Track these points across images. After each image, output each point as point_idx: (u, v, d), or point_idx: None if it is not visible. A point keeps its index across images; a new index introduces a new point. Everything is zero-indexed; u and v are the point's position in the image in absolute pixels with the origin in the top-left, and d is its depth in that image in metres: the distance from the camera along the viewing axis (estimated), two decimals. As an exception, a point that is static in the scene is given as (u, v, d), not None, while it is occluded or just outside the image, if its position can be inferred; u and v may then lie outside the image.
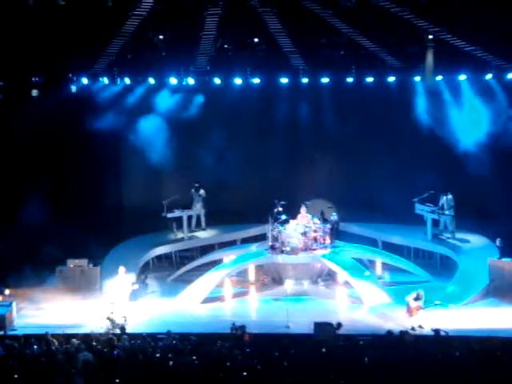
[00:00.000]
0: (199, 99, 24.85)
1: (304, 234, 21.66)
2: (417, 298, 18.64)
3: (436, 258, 23.38)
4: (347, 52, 21.98)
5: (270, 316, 19.42)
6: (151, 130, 24.32)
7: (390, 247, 23.60)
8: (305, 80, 23.66)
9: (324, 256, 21.50)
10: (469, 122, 23.56)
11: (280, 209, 21.72)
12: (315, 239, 21.78)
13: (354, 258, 21.71)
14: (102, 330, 17.21)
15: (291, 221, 21.90)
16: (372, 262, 22.38)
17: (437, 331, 16.24)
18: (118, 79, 23.71)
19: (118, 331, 17.09)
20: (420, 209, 23.26)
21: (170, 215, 23.66)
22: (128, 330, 17.15)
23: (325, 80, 23.73)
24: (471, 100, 23.68)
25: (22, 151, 23.15)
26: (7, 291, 20.34)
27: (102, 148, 24.51)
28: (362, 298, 20.23)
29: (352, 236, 24.07)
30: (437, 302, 19.29)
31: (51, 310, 19.53)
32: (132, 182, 26.66)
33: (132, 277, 20.02)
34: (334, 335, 16.33)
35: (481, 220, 22.75)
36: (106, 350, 15.05)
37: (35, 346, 15.56)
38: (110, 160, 25.68)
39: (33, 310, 19.59)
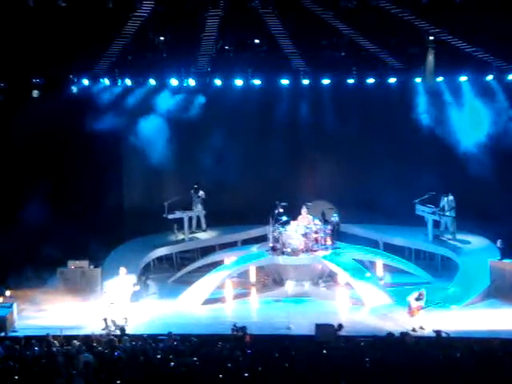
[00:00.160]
0: (200, 100, 24.84)
1: (305, 235, 21.66)
2: (418, 298, 18.63)
3: (437, 260, 23.37)
4: (348, 53, 21.98)
5: (271, 317, 19.43)
6: (152, 130, 24.31)
7: (390, 248, 23.60)
8: (305, 81, 23.65)
9: (325, 257, 21.50)
10: (469, 123, 23.56)
11: (281, 210, 21.72)
12: (316, 240, 21.77)
13: (354, 260, 21.71)
14: (102, 331, 17.25)
15: (292, 222, 21.90)
16: (373, 263, 22.37)
17: (438, 332, 16.23)
18: (119, 80, 23.70)
19: (117, 332, 17.12)
20: (421, 210, 23.25)
21: (170, 216, 23.65)
22: (129, 332, 17.16)
23: (325, 81, 23.72)
24: (472, 101, 23.66)
25: (23, 152, 23.14)
26: (8, 292, 20.34)
27: (103, 149, 24.49)
28: (362, 299, 20.23)
29: (353, 237, 24.08)
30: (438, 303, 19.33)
31: (52, 312, 19.54)
32: (133, 183, 26.65)
33: (133, 278, 20.03)
34: (335, 337, 16.32)
35: (482, 221, 22.73)
36: (106, 351, 15.05)
37: (36, 348, 15.56)
38: (110, 161, 25.65)
39: (34, 312, 19.61)
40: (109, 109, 23.95)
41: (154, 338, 16.55)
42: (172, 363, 14.08)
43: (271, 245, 21.88)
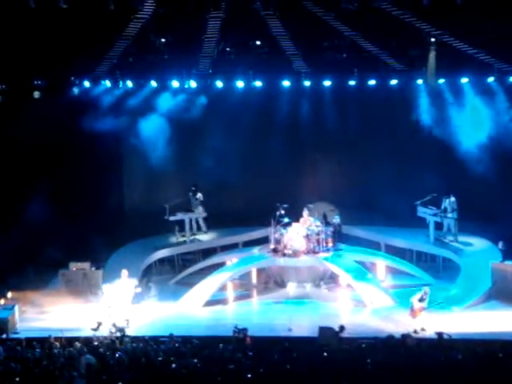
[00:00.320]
0: (201, 102, 24.84)
1: (306, 236, 21.65)
2: (421, 299, 18.61)
3: (438, 261, 23.35)
4: (349, 55, 21.93)
5: (272, 319, 19.42)
6: (153, 131, 24.33)
7: (392, 250, 23.58)
8: (307, 83, 23.62)
9: (326, 259, 21.48)
10: (471, 125, 23.55)
11: (282, 212, 21.71)
12: (318, 242, 21.76)
13: (356, 261, 21.71)
14: (94, 332, 17.32)
15: (293, 224, 21.89)
16: (374, 265, 22.36)
17: (440, 334, 16.21)
18: (121, 82, 23.69)
19: (118, 334, 17.12)
20: (422, 212, 23.24)
21: (172, 218, 23.65)
22: (130, 333, 17.17)
23: (327, 83, 23.69)
24: (473, 103, 23.66)
25: (25, 153, 23.14)
26: (10, 294, 20.36)
27: (104, 150, 24.50)
28: (364, 300, 20.22)
29: (354, 239, 24.04)
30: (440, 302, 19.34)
31: (54, 314, 19.54)
32: (134, 185, 26.66)
33: (134, 280, 20.04)
34: (337, 340, 16.30)
35: (483, 223, 22.71)
36: (108, 353, 15.05)
37: (37, 350, 15.57)
38: (112, 163, 25.69)
39: (35, 314, 19.61)
40: (110, 110, 23.97)
41: (155, 339, 16.58)
42: (173, 365, 14.09)
43: (272, 247, 21.88)
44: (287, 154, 25.71)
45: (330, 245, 21.99)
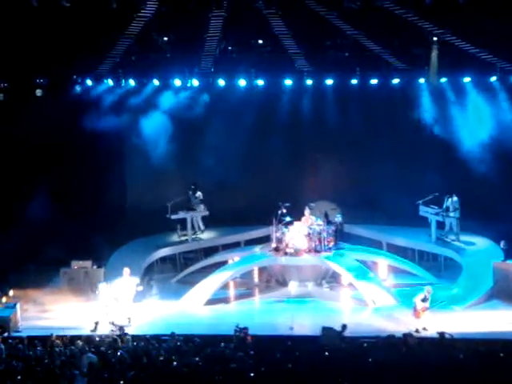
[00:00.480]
0: (203, 100, 24.83)
1: (308, 235, 21.65)
2: (424, 299, 18.58)
3: (440, 260, 23.34)
4: (352, 54, 21.96)
5: (274, 318, 19.43)
6: (155, 130, 24.33)
7: (394, 249, 23.56)
8: (309, 82, 23.62)
9: (328, 258, 21.48)
10: (473, 124, 23.54)
11: (284, 211, 21.71)
12: (319, 241, 21.76)
13: (358, 260, 21.70)
14: (93, 332, 17.35)
15: (295, 222, 21.88)
16: (376, 264, 22.35)
17: (441, 334, 16.21)
18: (123, 81, 23.70)
19: (118, 332, 17.14)
20: (424, 211, 23.22)
21: (174, 217, 23.65)
22: (132, 332, 17.19)
23: (329, 82, 23.69)
24: (475, 102, 23.65)
25: (27, 151, 23.17)
26: (11, 293, 20.37)
27: (106, 149, 24.52)
28: (366, 299, 20.22)
29: (356, 238, 24.04)
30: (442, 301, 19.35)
31: (55, 312, 19.56)
32: (136, 183, 26.65)
33: (136, 278, 20.04)
34: (340, 339, 16.29)
35: (485, 222, 22.69)
36: (109, 351, 15.07)
37: (39, 348, 15.59)
38: (113, 161, 25.69)
39: (37, 312, 19.63)
40: (112, 108, 23.98)
41: (157, 338, 16.59)
42: (175, 363, 14.10)
43: (274, 245, 21.88)
44: (289, 153, 25.71)
45: (332, 244, 21.97)
